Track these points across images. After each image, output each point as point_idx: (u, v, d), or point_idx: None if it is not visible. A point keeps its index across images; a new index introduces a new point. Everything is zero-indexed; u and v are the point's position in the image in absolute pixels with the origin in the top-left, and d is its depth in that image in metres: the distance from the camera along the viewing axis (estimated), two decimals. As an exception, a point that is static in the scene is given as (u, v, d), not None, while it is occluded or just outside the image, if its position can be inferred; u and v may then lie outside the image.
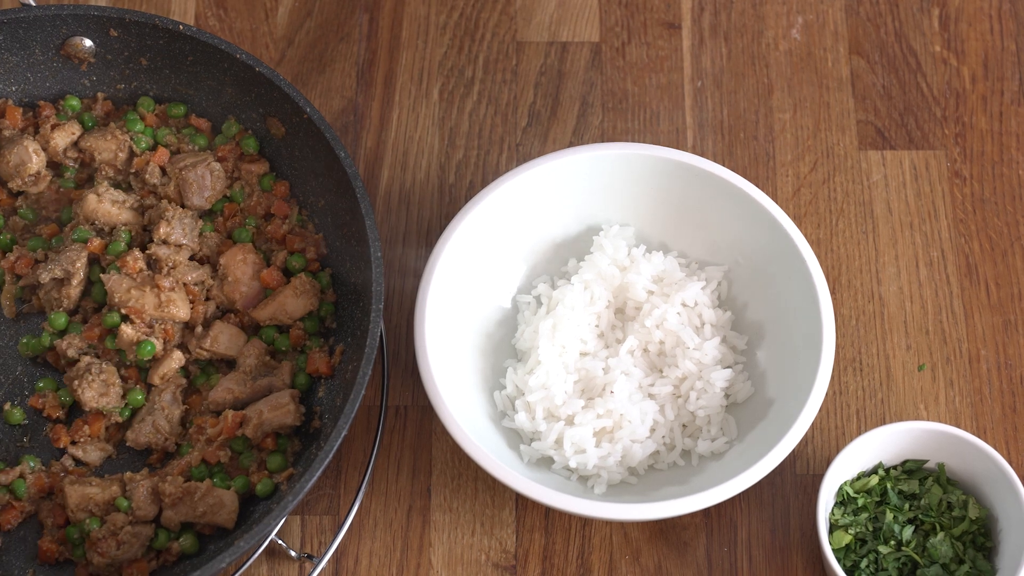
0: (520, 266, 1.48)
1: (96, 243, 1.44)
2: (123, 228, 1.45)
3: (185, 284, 1.43)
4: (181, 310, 1.41)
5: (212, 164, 1.48)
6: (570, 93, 1.61)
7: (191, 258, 1.46)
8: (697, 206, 1.45)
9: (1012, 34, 1.63)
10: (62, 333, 1.44)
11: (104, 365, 1.41)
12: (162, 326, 1.41)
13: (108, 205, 1.45)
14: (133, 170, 1.50)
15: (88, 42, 1.51)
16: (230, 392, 1.40)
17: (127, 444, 1.41)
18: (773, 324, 1.43)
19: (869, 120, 1.60)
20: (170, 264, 1.42)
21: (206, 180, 1.48)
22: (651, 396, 1.41)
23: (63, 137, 1.50)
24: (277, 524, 1.30)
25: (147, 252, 1.43)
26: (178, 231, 1.44)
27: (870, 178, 1.57)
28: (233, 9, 1.64)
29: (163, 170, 1.49)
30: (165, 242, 1.44)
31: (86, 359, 1.41)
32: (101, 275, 1.42)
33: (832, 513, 1.39)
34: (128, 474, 1.38)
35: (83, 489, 1.36)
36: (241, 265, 1.45)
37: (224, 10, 1.64)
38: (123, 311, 1.40)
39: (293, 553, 1.39)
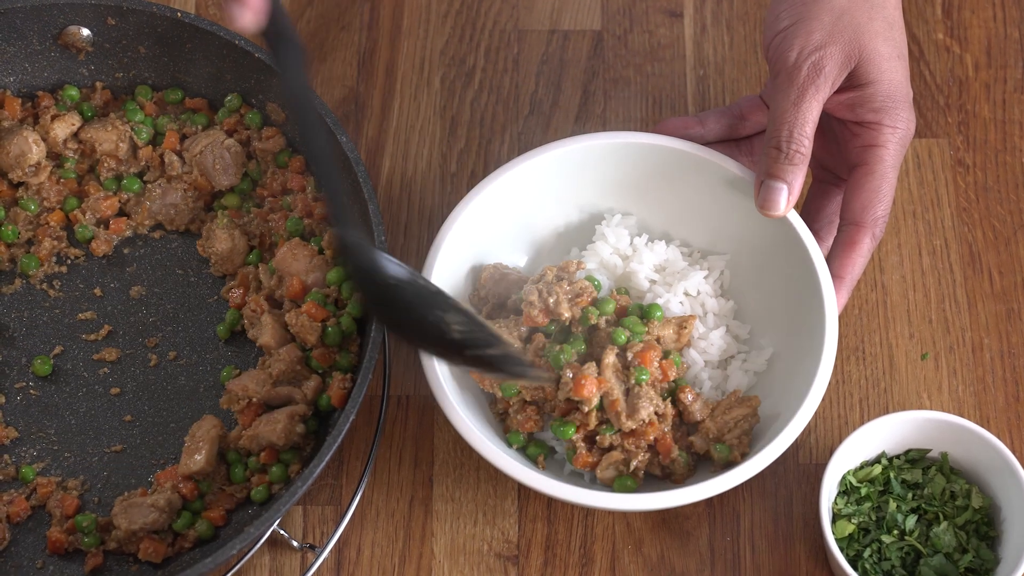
0: (522, 255, 1.48)
1: None
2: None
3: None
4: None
5: (226, 141, 1.48)
6: (572, 81, 1.60)
7: None
8: (699, 195, 1.45)
9: (1015, 21, 1.63)
10: None
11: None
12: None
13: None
14: (143, 162, 1.50)
15: (85, 31, 1.51)
16: (245, 389, 1.39)
17: None
18: (776, 313, 1.43)
19: (872, 108, 1.59)
20: None
21: (225, 159, 1.48)
22: (653, 385, 1.41)
23: (63, 128, 1.50)
24: (286, 508, 1.29)
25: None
26: None
27: (873, 167, 1.56)
28: (233, -2, 1.63)
29: (180, 155, 1.49)
30: None
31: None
32: None
33: (835, 502, 1.38)
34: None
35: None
36: (294, 262, 1.43)
37: (224, -1, 1.63)
38: None
39: (295, 543, 1.39)
